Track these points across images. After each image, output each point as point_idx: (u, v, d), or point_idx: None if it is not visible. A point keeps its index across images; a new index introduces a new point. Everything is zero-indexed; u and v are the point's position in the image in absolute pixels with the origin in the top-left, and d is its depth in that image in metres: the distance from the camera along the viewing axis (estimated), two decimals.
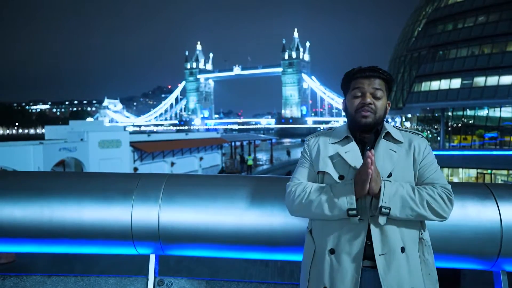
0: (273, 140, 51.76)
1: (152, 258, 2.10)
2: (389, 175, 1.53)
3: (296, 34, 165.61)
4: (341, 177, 1.56)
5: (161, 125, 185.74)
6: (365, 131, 1.62)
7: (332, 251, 1.53)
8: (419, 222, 1.57)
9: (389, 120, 42.81)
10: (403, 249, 1.49)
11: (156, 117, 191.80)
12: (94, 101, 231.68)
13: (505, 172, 25.55)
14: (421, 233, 1.56)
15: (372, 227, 1.49)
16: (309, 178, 1.65)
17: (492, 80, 30.85)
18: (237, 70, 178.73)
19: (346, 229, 1.51)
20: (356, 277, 1.47)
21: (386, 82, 1.63)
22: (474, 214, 1.85)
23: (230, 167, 35.76)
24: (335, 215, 1.48)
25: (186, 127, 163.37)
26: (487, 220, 1.84)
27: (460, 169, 26.70)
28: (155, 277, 2.10)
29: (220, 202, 1.99)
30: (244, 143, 42.10)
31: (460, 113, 34.28)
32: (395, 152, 1.57)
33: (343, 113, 1.74)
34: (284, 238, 1.93)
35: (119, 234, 1.99)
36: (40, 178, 2.24)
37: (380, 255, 1.47)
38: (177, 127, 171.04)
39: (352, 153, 1.58)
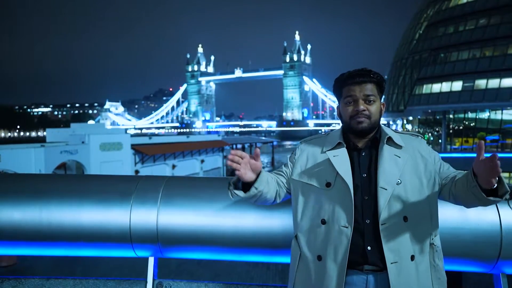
0: (275, 143, 51.79)
1: (151, 260, 2.09)
2: (399, 182, 1.52)
3: (297, 37, 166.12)
4: (328, 184, 1.56)
5: (163, 127, 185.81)
6: (361, 136, 1.62)
7: (319, 258, 1.53)
8: (430, 228, 1.56)
9: (390, 122, 42.79)
10: (412, 257, 1.49)
11: (158, 119, 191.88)
12: (96, 104, 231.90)
13: (506, 174, 25.50)
14: (432, 239, 1.56)
15: (384, 235, 1.48)
16: (278, 174, 1.73)
17: (494, 83, 30.83)
18: (238, 73, 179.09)
19: (332, 236, 1.51)
20: (340, 283, 1.47)
21: (378, 85, 1.62)
22: (473, 217, 1.84)
23: (231, 169, 35.76)
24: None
25: (188, 130, 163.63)
26: (487, 223, 1.83)
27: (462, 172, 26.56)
28: (154, 280, 2.10)
29: (219, 204, 1.99)
30: (246, 145, 42.13)
31: (462, 115, 34.25)
32: (400, 157, 1.56)
33: None
34: (284, 240, 1.92)
35: (117, 236, 1.99)
36: (39, 180, 2.24)
37: (391, 263, 1.46)
38: (179, 130, 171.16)
39: (340, 158, 1.58)
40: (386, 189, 1.50)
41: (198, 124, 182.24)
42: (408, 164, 1.56)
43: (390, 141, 1.60)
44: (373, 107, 1.59)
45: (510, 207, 1.38)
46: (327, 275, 1.50)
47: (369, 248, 1.49)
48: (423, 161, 1.59)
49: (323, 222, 1.54)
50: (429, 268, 1.52)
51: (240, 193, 1.53)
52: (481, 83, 31.64)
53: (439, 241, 1.60)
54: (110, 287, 2.13)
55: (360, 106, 1.58)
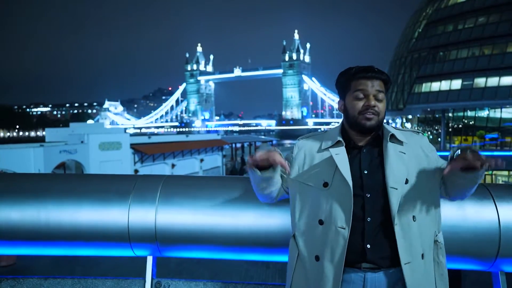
0: (274, 142, 51.80)
1: (149, 259, 2.09)
2: (406, 181, 1.51)
3: (296, 36, 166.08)
4: (325, 184, 1.54)
5: (162, 127, 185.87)
6: (364, 134, 1.60)
7: (317, 258, 1.52)
8: (435, 225, 1.56)
9: (390, 121, 42.81)
10: (422, 256, 1.49)
11: (157, 119, 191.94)
12: (95, 104, 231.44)
13: (506, 173, 25.52)
14: (436, 236, 1.56)
15: (398, 235, 1.46)
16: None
17: (493, 81, 30.83)
18: (237, 72, 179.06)
19: (329, 237, 1.50)
20: (336, 284, 1.47)
21: (385, 83, 1.60)
22: (472, 215, 1.84)
23: (230, 168, 35.82)
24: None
25: (187, 129, 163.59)
26: (486, 221, 1.83)
27: None
28: (152, 279, 2.09)
29: (217, 203, 1.98)
30: (245, 144, 42.17)
31: (461, 114, 34.25)
32: (405, 153, 1.56)
33: None
34: (282, 239, 1.92)
35: (116, 236, 1.99)
36: (37, 180, 2.23)
37: (405, 264, 1.45)
38: (178, 129, 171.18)
39: (339, 157, 1.56)
40: (396, 189, 1.48)
41: (197, 123, 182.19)
42: (413, 161, 1.56)
43: (393, 138, 1.58)
44: (381, 105, 1.57)
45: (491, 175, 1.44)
46: (324, 275, 1.49)
47: (368, 246, 1.48)
48: (426, 158, 1.59)
49: (321, 222, 1.53)
50: (433, 265, 1.52)
51: (257, 172, 1.57)
52: (480, 81, 31.64)
53: (442, 238, 1.60)
54: (108, 286, 2.13)
55: (371, 102, 1.55)
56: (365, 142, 1.60)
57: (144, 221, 1.97)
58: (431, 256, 1.53)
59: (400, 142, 1.58)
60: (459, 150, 1.41)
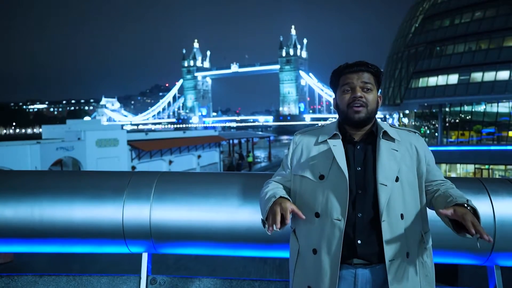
0: (271, 137, 51.79)
1: (145, 256, 2.08)
2: (397, 179, 1.52)
3: (293, 31, 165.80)
4: (321, 177, 1.55)
5: (159, 123, 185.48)
6: (357, 127, 1.61)
7: (314, 251, 1.53)
8: (422, 225, 1.57)
9: (387, 116, 42.86)
10: (408, 255, 1.49)
11: (154, 115, 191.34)
12: (92, 100, 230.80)
13: (502, 167, 25.60)
14: (422, 236, 1.56)
15: (384, 232, 1.47)
16: (284, 180, 1.70)
17: (489, 76, 30.86)
18: (234, 68, 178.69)
19: (326, 230, 1.51)
20: (334, 277, 1.47)
21: (375, 76, 1.62)
22: None
23: (228, 164, 35.82)
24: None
25: (184, 125, 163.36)
26: (481, 215, 1.82)
27: (458, 165, 26.72)
28: (147, 276, 2.09)
29: (213, 199, 1.98)
30: (242, 140, 42.17)
31: (458, 108, 34.30)
32: (397, 151, 1.56)
33: None
34: (278, 235, 1.91)
35: (110, 233, 1.98)
36: (30, 177, 2.21)
37: (390, 261, 1.46)
38: (175, 125, 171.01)
39: (336, 148, 1.57)
40: (386, 185, 1.49)
41: (194, 120, 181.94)
42: (405, 159, 1.56)
43: (386, 135, 1.59)
44: (370, 96, 1.59)
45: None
46: (321, 268, 1.50)
47: (359, 242, 1.49)
48: (417, 158, 1.60)
49: (317, 215, 1.54)
50: (417, 265, 1.53)
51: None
52: (476, 76, 31.67)
53: (429, 238, 1.61)
54: (103, 283, 2.12)
55: (357, 93, 1.57)
56: (359, 138, 1.61)
57: (138, 218, 1.97)
58: (417, 256, 1.53)
59: (392, 139, 1.58)
60: (464, 211, 1.39)
